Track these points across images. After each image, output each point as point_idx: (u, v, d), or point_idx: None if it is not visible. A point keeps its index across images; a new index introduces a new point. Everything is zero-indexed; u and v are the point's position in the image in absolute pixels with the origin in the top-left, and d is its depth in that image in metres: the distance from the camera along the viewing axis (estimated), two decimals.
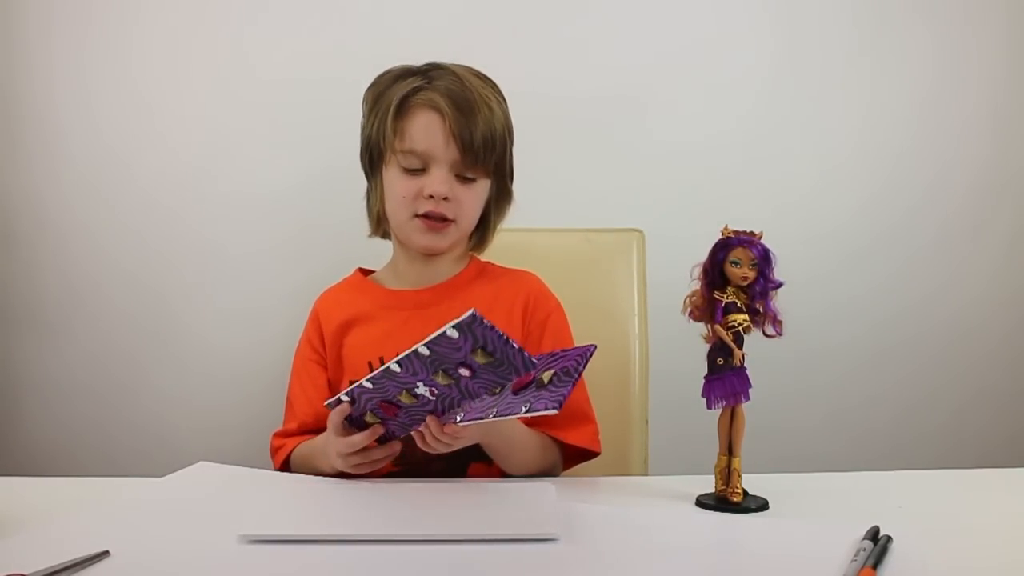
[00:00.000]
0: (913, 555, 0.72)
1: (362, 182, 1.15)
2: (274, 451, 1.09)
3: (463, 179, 1.04)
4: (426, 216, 1.04)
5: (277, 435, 1.10)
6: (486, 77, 1.08)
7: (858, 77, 1.71)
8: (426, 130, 1.02)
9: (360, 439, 0.90)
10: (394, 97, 1.04)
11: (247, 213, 1.66)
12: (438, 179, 1.02)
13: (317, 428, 1.04)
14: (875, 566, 0.68)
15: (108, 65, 1.64)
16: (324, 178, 1.63)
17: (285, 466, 1.07)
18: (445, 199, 1.03)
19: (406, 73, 1.06)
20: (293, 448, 1.06)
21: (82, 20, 1.63)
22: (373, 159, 1.10)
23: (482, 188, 1.07)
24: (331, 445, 0.93)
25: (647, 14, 1.68)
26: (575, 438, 1.04)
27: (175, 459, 1.03)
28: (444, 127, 1.02)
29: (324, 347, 1.11)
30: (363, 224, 1.16)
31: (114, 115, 1.64)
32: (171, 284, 1.67)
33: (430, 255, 1.10)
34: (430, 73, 1.05)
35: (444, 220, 1.04)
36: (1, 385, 1.68)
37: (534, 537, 0.75)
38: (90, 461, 1.66)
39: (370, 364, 1.06)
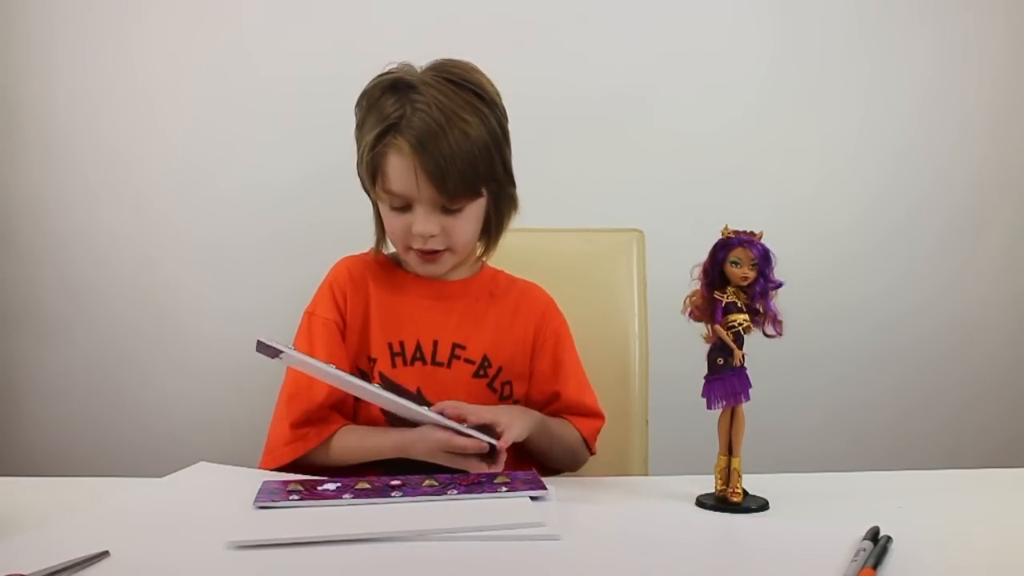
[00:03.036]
0: (913, 555, 0.72)
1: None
2: (298, 439, 1.02)
3: (449, 211, 1.04)
4: (420, 250, 1.06)
5: (296, 425, 1.02)
6: (467, 82, 1.03)
7: (858, 78, 1.71)
8: (399, 173, 1.01)
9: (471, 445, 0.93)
10: (370, 136, 1.02)
11: (246, 212, 1.66)
12: (421, 219, 1.03)
13: (312, 421, 1.02)
14: (875, 566, 0.68)
15: (108, 65, 1.64)
16: (323, 177, 1.63)
17: (316, 453, 1.01)
18: (433, 236, 1.04)
19: (389, 89, 1.03)
20: (337, 428, 1.02)
21: (82, 21, 1.63)
22: (364, 182, 1.09)
23: (473, 211, 1.06)
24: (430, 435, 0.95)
25: (647, 15, 1.68)
26: (587, 430, 1.11)
27: (175, 459, 1.02)
28: (414, 170, 1.00)
29: (347, 308, 1.10)
30: (363, 222, 1.16)
31: (114, 115, 1.64)
32: (170, 285, 1.67)
33: None
34: (410, 96, 1.01)
35: (436, 251, 1.06)
36: (1, 385, 1.68)
37: (534, 537, 0.75)
38: (90, 461, 1.66)
39: (390, 345, 1.08)
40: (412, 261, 1.09)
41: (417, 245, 1.05)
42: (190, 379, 1.67)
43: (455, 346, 1.09)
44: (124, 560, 0.70)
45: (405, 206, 1.04)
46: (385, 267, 1.15)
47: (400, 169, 1.01)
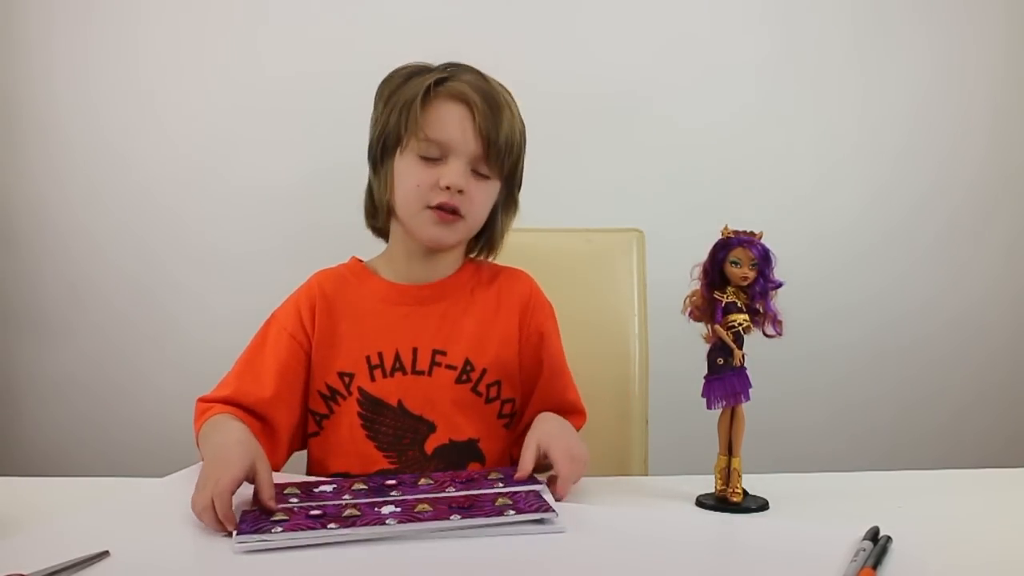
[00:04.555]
0: (913, 555, 0.72)
1: (364, 180, 1.15)
2: (198, 416, 1.01)
3: (478, 175, 1.03)
4: (439, 207, 1.01)
5: (203, 399, 1.03)
6: (502, 84, 1.07)
7: (858, 78, 1.71)
8: (452, 121, 1.01)
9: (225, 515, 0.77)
10: (420, 86, 1.01)
11: (247, 213, 1.66)
12: (456, 171, 1.00)
13: (251, 408, 1.00)
14: (875, 566, 0.68)
15: (109, 64, 1.64)
16: (326, 178, 1.63)
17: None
18: (460, 192, 1.01)
19: (422, 70, 1.05)
20: (216, 414, 0.98)
21: (83, 19, 1.63)
22: (386, 148, 1.06)
23: (493, 188, 1.06)
24: (207, 485, 0.79)
25: (647, 15, 1.68)
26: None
27: (175, 459, 1.03)
28: (471, 120, 1.00)
29: (314, 325, 1.06)
30: (364, 224, 1.16)
31: (115, 114, 1.64)
32: (171, 285, 1.67)
33: (432, 251, 1.07)
34: (449, 69, 1.04)
35: (455, 213, 1.02)
36: (1, 385, 1.68)
37: (541, 530, 0.76)
38: (90, 461, 1.66)
39: (368, 358, 1.04)
40: (425, 222, 1.02)
41: (440, 199, 1.01)
42: (190, 379, 1.65)
43: (435, 352, 1.04)
44: (124, 560, 0.70)
45: (439, 157, 1.01)
46: (361, 277, 1.10)
47: (453, 117, 1.01)
